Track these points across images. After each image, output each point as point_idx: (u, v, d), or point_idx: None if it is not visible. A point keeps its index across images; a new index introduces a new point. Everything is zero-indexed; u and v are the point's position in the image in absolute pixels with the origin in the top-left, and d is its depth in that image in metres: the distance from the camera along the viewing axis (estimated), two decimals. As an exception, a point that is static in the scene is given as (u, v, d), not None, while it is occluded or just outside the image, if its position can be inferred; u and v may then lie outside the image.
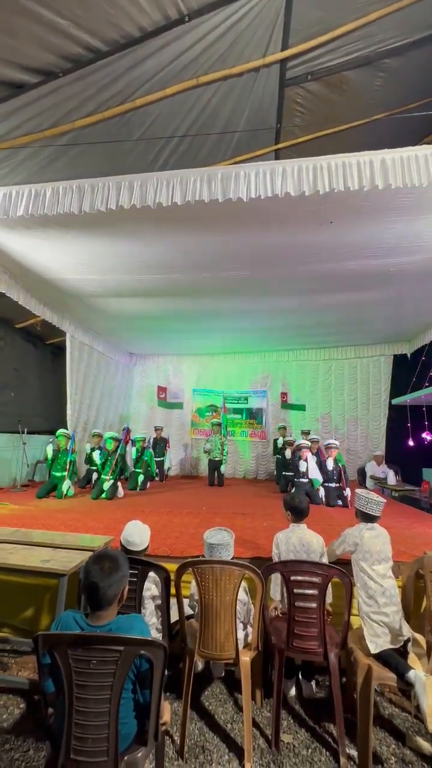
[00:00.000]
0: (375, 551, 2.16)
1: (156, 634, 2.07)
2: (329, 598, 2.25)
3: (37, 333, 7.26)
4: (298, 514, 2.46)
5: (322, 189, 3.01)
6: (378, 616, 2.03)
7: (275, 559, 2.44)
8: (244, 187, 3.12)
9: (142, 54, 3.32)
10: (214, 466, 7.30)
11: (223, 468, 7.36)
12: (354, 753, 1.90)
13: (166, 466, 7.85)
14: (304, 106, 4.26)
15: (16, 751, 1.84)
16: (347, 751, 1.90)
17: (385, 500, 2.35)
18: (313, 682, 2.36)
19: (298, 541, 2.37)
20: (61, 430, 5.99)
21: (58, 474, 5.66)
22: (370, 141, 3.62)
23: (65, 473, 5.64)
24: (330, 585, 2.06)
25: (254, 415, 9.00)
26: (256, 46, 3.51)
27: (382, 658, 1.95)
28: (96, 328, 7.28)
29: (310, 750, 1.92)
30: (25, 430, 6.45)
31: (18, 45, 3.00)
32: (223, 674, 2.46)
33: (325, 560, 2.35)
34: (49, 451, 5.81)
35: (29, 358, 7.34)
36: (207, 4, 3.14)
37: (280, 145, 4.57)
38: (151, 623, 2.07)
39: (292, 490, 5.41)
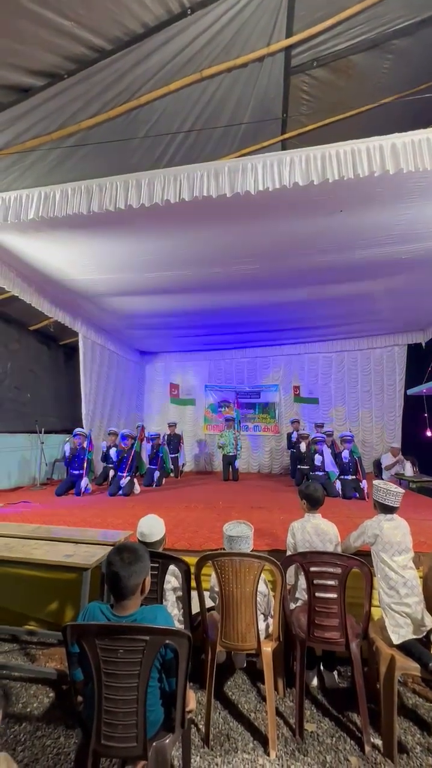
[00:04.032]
0: (395, 542, 2.14)
1: (178, 626, 2.10)
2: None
3: (51, 334, 7.38)
4: (313, 502, 2.47)
5: (331, 177, 2.96)
6: (400, 606, 2.02)
7: (290, 547, 2.45)
8: (251, 180, 3.10)
9: (145, 50, 3.31)
10: (229, 461, 7.32)
11: (237, 463, 7.38)
12: (378, 742, 1.90)
13: (180, 462, 7.91)
14: (310, 93, 4.18)
15: (47, 738, 1.91)
16: (372, 740, 1.90)
17: (403, 491, 2.32)
18: (335, 673, 2.36)
19: (314, 529, 2.39)
20: (77, 429, 6.10)
21: (76, 472, 5.78)
22: (379, 126, 3.52)
23: (83, 471, 5.74)
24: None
25: (267, 410, 8.97)
26: (261, 34, 3.45)
27: (404, 648, 1.94)
28: (107, 327, 7.36)
29: (334, 738, 1.94)
30: (43, 429, 6.58)
31: (23, 49, 3.03)
32: (245, 665, 2.49)
33: (339, 548, 2.36)
34: (67, 449, 5.93)
35: (44, 359, 7.47)
36: (209, -5, 3.11)
37: (286, 135, 4.51)
38: (172, 615, 2.11)
39: (308, 484, 5.41)
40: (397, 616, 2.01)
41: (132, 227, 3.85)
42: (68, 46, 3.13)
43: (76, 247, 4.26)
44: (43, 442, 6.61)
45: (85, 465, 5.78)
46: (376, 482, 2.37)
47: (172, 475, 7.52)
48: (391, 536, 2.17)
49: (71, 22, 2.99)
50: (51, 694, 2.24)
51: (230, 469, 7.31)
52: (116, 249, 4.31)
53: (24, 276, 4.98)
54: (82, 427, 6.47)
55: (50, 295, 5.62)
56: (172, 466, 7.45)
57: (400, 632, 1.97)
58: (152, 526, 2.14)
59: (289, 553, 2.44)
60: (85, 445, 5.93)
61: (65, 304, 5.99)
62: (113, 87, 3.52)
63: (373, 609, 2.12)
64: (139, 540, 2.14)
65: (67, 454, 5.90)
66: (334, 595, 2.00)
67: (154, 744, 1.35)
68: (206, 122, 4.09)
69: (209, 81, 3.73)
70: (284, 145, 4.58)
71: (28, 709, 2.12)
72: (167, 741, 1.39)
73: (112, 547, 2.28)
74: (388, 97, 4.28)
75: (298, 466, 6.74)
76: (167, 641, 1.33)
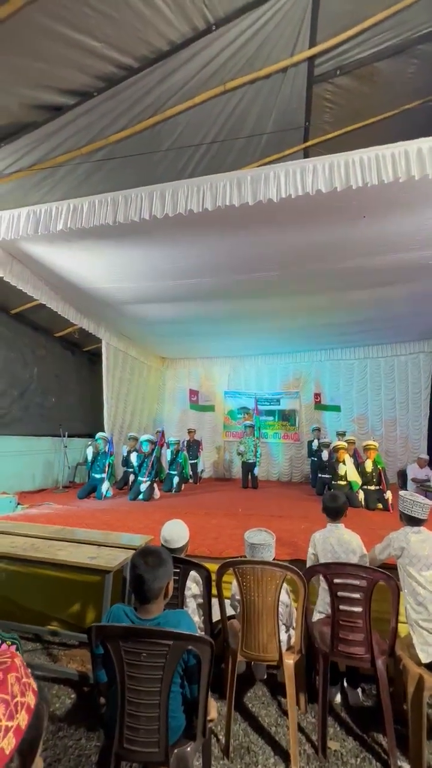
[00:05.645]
0: (423, 556, 2.07)
1: (199, 633, 2.09)
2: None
3: (75, 341, 7.61)
4: (333, 513, 2.42)
5: (354, 184, 2.95)
6: (428, 623, 1.94)
7: (310, 558, 2.41)
8: (274, 188, 3.12)
9: (171, 66, 3.41)
10: (248, 468, 7.28)
11: (256, 470, 7.32)
12: (406, 766, 1.82)
13: (199, 469, 7.93)
14: (333, 101, 4.18)
15: (69, 739, 1.93)
16: (399, 763, 1.82)
17: (431, 502, 2.25)
18: (359, 690, 2.28)
19: (336, 541, 2.34)
20: (99, 434, 6.23)
21: (98, 476, 5.88)
22: (404, 131, 3.49)
23: (104, 475, 5.84)
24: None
25: (287, 417, 8.88)
26: (284, 46, 3.49)
27: (434, 667, 1.86)
28: (129, 334, 7.51)
29: (358, 759, 1.87)
30: (66, 433, 6.76)
31: (56, 70, 3.19)
32: (266, 676, 2.44)
33: (366, 560, 2.30)
34: (89, 453, 6.06)
35: (68, 365, 7.70)
36: (233, 11, 3.17)
37: (309, 143, 4.51)
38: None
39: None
40: (425, 634, 1.93)
41: (156, 236, 3.94)
42: (98, 65, 3.26)
43: (102, 256, 4.39)
44: (66, 446, 6.78)
45: (106, 469, 5.88)
46: (402, 493, 2.31)
47: (190, 481, 7.54)
48: (418, 549, 2.09)
49: (101, 43, 3.12)
50: (72, 695, 2.27)
51: (249, 476, 7.26)
52: (140, 257, 4.42)
53: (51, 284, 5.18)
54: (104, 432, 6.60)
55: (76, 303, 5.80)
56: (191, 472, 7.47)
57: (429, 650, 1.89)
58: (177, 532, 2.15)
59: (309, 564, 2.39)
60: (106, 449, 6.04)
61: (90, 311, 6.17)
62: (140, 102, 3.64)
63: (399, 625, 2.05)
64: (162, 545, 2.16)
65: (89, 458, 6.02)
66: (358, 609, 1.95)
67: (175, 751, 1.35)
68: (229, 133, 4.15)
69: (232, 93, 3.80)
70: (306, 153, 4.58)
71: (51, 709, 2.15)
72: (188, 749, 1.38)
73: (133, 551, 2.32)
74: (414, 102, 4.23)
75: (320, 475, 6.62)
76: (190, 647, 1.33)
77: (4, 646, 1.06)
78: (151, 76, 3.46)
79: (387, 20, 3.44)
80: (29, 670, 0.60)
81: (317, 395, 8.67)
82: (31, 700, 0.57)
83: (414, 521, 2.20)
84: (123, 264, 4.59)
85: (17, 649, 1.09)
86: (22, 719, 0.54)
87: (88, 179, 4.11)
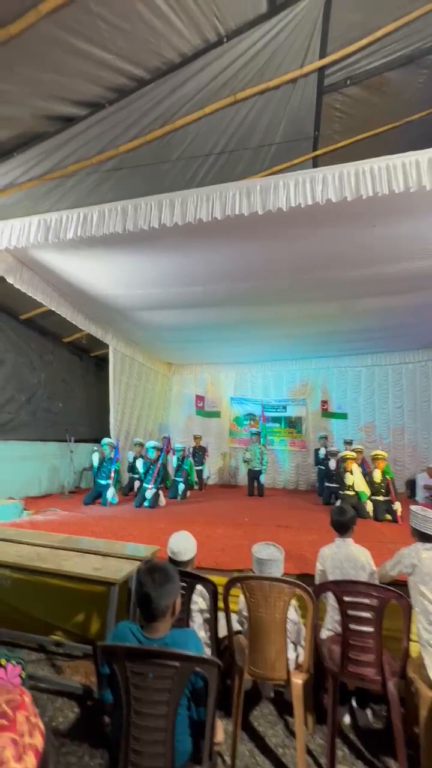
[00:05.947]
0: (436, 574, 2.01)
1: (205, 649, 2.05)
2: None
3: (83, 346, 7.65)
4: (341, 527, 2.38)
5: (365, 193, 2.94)
6: (441, 644, 1.88)
7: (319, 574, 2.36)
8: (283, 197, 3.12)
9: (182, 78, 3.44)
10: (254, 475, 7.22)
11: (262, 478, 7.27)
12: (419, 794, 1.76)
13: (205, 475, 7.88)
14: (342, 111, 4.18)
15: (72, 755, 1.90)
16: (411, 791, 1.76)
17: (444, 518, 2.19)
18: (369, 711, 2.22)
19: (345, 557, 2.29)
20: (105, 439, 6.22)
21: (103, 482, 5.86)
22: (414, 140, 3.48)
23: (110, 481, 5.82)
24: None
25: (293, 424, 8.82)
26: (294, 57, 3.51)
27: (447, 691, 1.80)
28: (137, 340, 7.54)
29: (369, 785, 1.81)
30: (72, 438, 6.76)
31: (69, 82, 3.23)
32: (273, 695, 2.39)
33: (376, 577, 2.24)
34: (95, 459, 6.04)
35: (75, 370, 7.72)
36: (245, 23, 3.20)
37: (318, 152, 4.52)
38: (199, 637, 2.06)
39: (337, 503, 5.24)
40: (438, 655, 1.87)
41: (165, 244, 3.96)
42: (110, 77, 3.30)
43: (111, 264, 4.43)
44: (72, 451, 6.78)
45: (112, 475, 5.87)
46: (413, 508, 2.26)
47: (196, 487, 7.49)
48: (431, 567, 2.04)
49: (113, 56, 3.16)
50: (76, 709, 2.24)
51: (255, 483, 7.20)
52: (149, 265, 4.45)
53: (60, 291, 5.22)
54: (110, 437, 6.60)
55: (84, 310, 5.85)
56: (196, 479, 7.44)
57: (442, 673, 1.84)
58: (184, 545, 2.12)
59: (318, 580, 2.35)
60: (112, 455, 6.03)
61: (97, 317, 6.21)
62: (150, 113, 3.67)
63: (411, 644, 1.99)
64: (169, 557, 2.13)
65: (95, 463, 6.01)
66: (369, 629, 1.89)
67: (181, 776, 1.31)
68: (238, 143, 4.17)
69: (242, 103, 3.82)
70: (315, 162, 4.58)
71: (54, 724, 2.12)
72: (195, 774, 1.34)
73: (139, 562, 2.29)
74: (423, 112, 4.22)
75: (326, 484, 6.54)
76: (197, 669, 1.30)
77: (10, 666, 1.04)
78: (163, 87, 3.49)
79: (397, 31, 3.44)
80: (37, 710, 0.58)
81: (324, 402, 8.61)
82: (38, 741, 0.54)
83: (426, 537, 2.15)
84: (132, 271, 4.62)
85: (23, 669, 1.06)
86: (30, 762, 0.52)
87: (98, 188, 4.15)
